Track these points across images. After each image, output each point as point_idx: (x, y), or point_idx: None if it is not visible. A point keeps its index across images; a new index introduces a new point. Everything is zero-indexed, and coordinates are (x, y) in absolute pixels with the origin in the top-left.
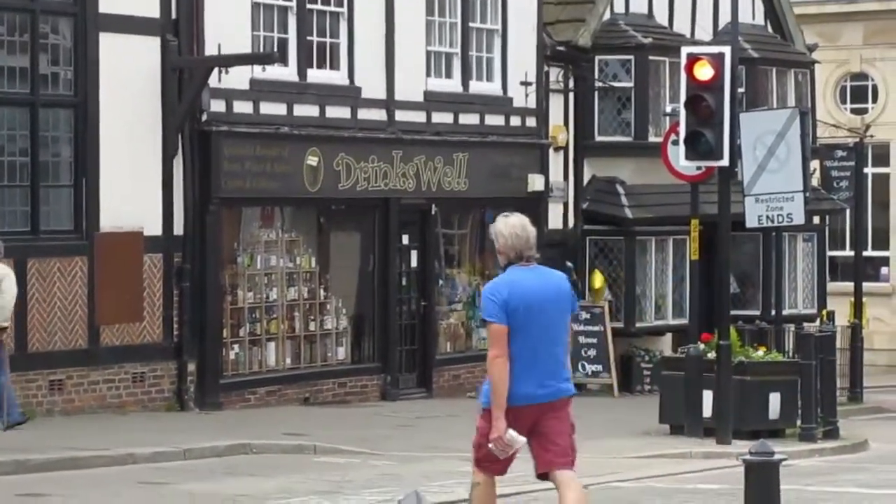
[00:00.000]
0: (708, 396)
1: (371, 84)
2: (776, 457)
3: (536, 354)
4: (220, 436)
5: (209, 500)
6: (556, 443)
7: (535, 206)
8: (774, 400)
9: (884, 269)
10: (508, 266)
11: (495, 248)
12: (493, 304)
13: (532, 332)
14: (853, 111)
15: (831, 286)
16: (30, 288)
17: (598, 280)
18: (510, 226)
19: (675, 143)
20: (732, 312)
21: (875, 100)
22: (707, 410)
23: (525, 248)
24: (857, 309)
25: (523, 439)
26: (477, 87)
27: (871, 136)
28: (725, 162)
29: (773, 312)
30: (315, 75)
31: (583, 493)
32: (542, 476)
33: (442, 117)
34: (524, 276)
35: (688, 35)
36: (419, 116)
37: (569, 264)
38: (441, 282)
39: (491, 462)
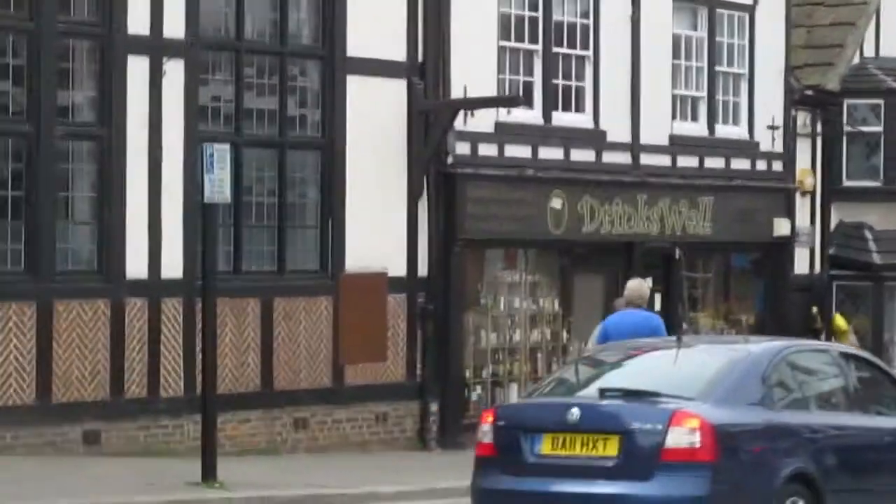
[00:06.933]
0: None
1: (616, 127)
2: None
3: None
4: (463, 476)
5: None
6: None
7: (780, 251)
8: None
9: None
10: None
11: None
12: (599, 331)
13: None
14: None
15: None
16: (276, 326)
17: (840, 322)
18: (631, 283)
19: None
20: None
21: None
22: None
23: (636, 299)
24: None
25: None
26: (723, 130)
27: None
28: None
29: None
30: (560, 118)
31: None
32: None
33: (687, 161)
34: (624, 315)
35: None
36: (664, 160)
37: (814, 310)
38: (685, 326)
39: None
